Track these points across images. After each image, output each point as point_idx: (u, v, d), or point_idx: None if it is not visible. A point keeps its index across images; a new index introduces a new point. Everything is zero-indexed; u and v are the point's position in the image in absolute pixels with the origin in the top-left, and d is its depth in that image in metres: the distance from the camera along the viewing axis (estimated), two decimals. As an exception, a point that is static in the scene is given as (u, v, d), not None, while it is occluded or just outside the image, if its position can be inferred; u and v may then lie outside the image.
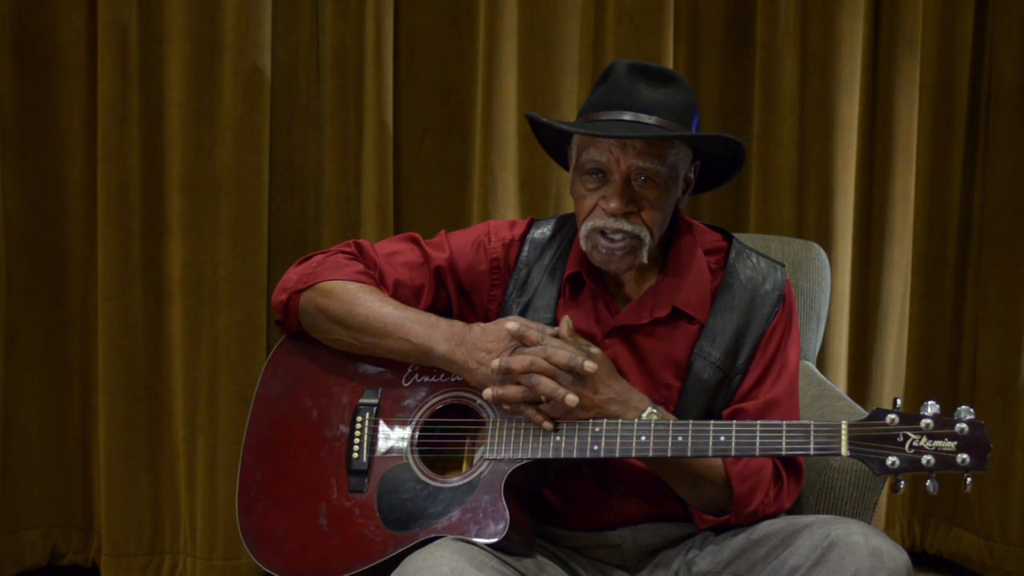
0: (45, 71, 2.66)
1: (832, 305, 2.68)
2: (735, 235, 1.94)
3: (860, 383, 2.90)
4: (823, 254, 2.50)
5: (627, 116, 1.74)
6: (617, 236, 1.75)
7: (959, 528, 2.99)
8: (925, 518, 3.04)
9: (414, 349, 1.78)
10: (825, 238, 2.75)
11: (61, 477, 2.77)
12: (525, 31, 2.70)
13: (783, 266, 1.89)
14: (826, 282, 2.48)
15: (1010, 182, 2.86)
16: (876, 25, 2.80)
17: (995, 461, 2.89)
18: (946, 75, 2.89)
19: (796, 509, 1.83)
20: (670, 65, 2.72)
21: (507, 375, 1.70)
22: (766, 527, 1.70)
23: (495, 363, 1.70)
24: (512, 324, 1.73)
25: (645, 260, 1.78)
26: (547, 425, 1.70)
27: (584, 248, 1.79)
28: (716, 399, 1.82)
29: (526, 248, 1.92)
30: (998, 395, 2.88)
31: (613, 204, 1.73)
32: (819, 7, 2.74)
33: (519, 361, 1.68)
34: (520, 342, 1.72)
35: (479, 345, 1.74)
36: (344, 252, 1.92)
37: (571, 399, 1.66)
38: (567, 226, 1.93)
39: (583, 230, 1.78)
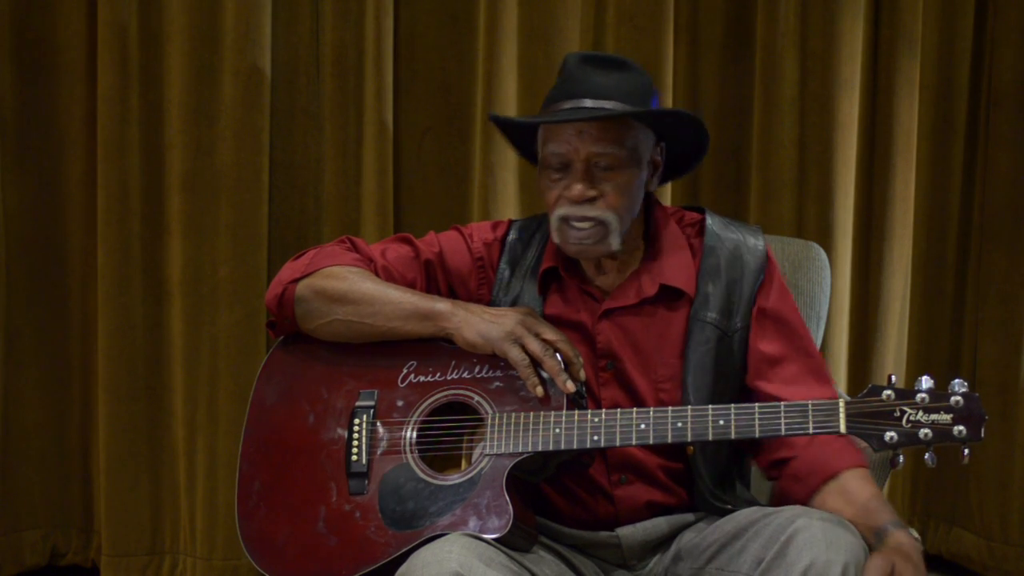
0: (45, 71, 2.66)
1: (832, 305, 2.67)
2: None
3: (860, 383, 2.89)
4: (823, 254, 2.49)
5: (586, 103, 1.77)
6: (584, 225, 1.77)
7: (959, 528, 2.99)
8: (925, 518, 3.04)
9: (415, 310, 1.81)
10: (825, 238, 2.75)
11: (61, 477, 2.78)
12: (525, 31, 2.70)
13: (758, 227, 1.93)
14: (826, 282, 2.47)
15: (1010, 182, 2.86)
16: (876, 25, 2.80)
17: (995, 461, 2.90)
18: (946, 75, 2.89)
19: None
20: (670, 65, 2.72)
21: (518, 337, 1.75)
22: (745, 519, 1.71)
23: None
24: (528, 308, 1.80)
25: (616, 246, 1.80)
26: (539, 391, 1.73)
27: (556, 240, 1.82)
28: (719, 363, 1.82)
29: (507, 248, 1.94)
30: (998, 395, 2.88)
31: (575, 189, 1.76)
32: (819, 7, 2.74)
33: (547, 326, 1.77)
34: (533, 318, 1.77)
35: (484, 308, 1.81)
36: (338, 245, 1.95)
37: (570, 386, 1.72)
38: (545, 223, 1.94)
39: (553, 222, 1.81)
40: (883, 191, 2.83)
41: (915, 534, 1.64)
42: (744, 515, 1.72)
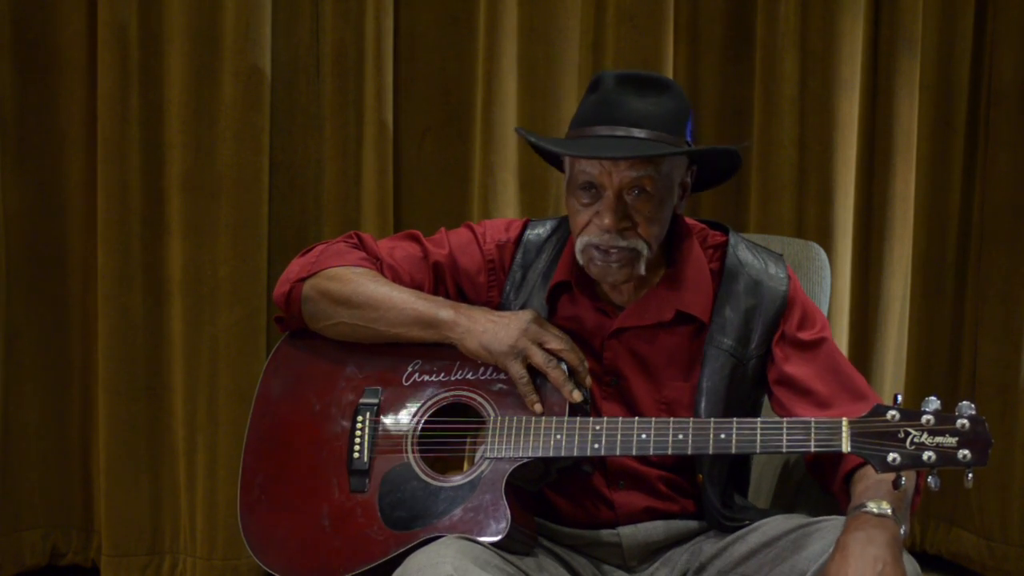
0: (45, 71, 2.66)
1: (832, 305, 2.67)
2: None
3: (860, 383, 2.90)
4: (823, 254, 2.49)
5: (618, 132, 1.71)
6: (613, 251, 1.74)
7: (959, 528, 2.99)
8: (925, 518, 3.04)
9: (418, 317, 1.80)
10: (825, 238, 2.75)
11: (61, 477, 2.78)
12: (525, 31, 2.70)
13: (780, 255, 1.89)
14: (826, 282, 2.47)
15: (1010, 182, 2.86)
16: (876, 25, 2.81)
17: (995, 461, 2.84)
18: (946, 75, 2.89)
19: (805, 511, 1.83)
20: (670, 65, 2.73)
21: (522, 351, 1.74)
22: (778, 528, 1.70)
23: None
24: (533, 313, 1.78)
25: (643, 271, 1.77)
26: (537, 408, 1.72)
27: (580, 261, 1.78)
28: (732, 390, 1.80)
29: (520, 250, 1.91)
30: (998, 395, 2.88)
31: (607, 220, 1.71)
32: (819, 7, 2.75)
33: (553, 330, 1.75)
34: (538, 325, 1.76)
35: (488, 316, 1.78)
36: (345, 242, 1.93)
37: (576, 396, 1.71)
38: (562, 228, 1.91)
39: (578, 244, 1.77)
40: (883, 191, 2.83)
41: (886, 508, 1.55)
42: (771, 525, 1.72)
